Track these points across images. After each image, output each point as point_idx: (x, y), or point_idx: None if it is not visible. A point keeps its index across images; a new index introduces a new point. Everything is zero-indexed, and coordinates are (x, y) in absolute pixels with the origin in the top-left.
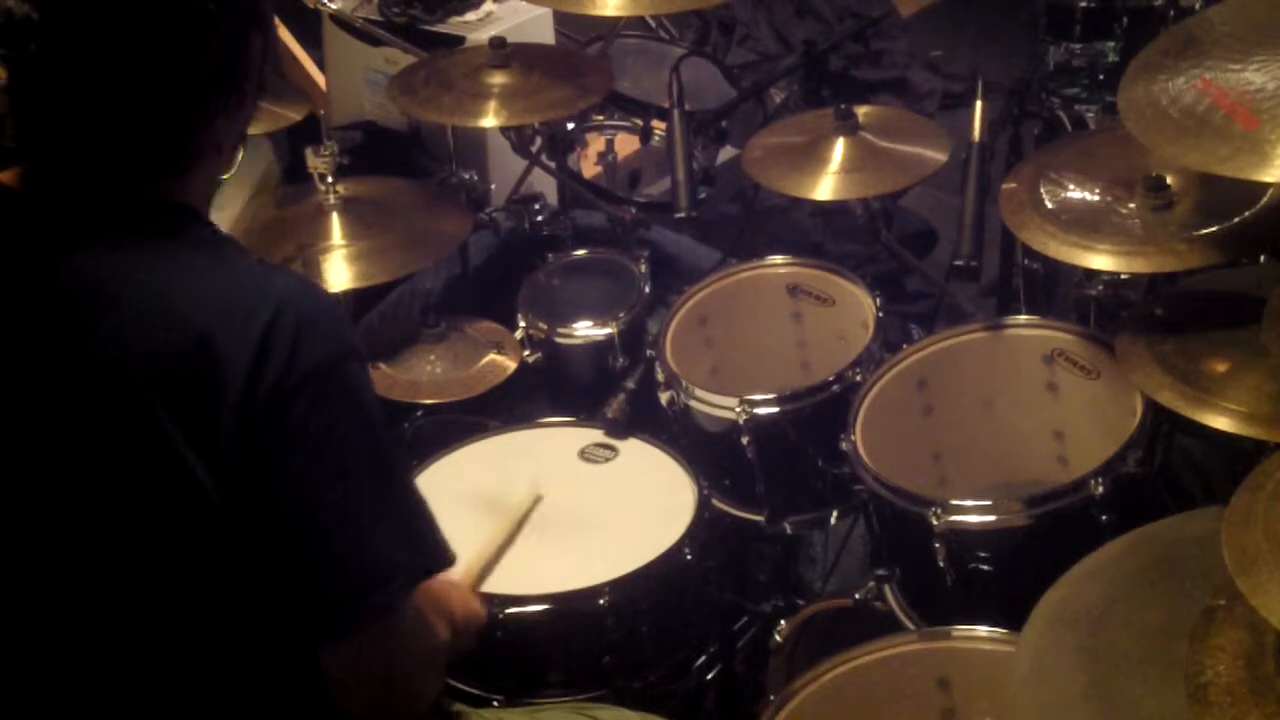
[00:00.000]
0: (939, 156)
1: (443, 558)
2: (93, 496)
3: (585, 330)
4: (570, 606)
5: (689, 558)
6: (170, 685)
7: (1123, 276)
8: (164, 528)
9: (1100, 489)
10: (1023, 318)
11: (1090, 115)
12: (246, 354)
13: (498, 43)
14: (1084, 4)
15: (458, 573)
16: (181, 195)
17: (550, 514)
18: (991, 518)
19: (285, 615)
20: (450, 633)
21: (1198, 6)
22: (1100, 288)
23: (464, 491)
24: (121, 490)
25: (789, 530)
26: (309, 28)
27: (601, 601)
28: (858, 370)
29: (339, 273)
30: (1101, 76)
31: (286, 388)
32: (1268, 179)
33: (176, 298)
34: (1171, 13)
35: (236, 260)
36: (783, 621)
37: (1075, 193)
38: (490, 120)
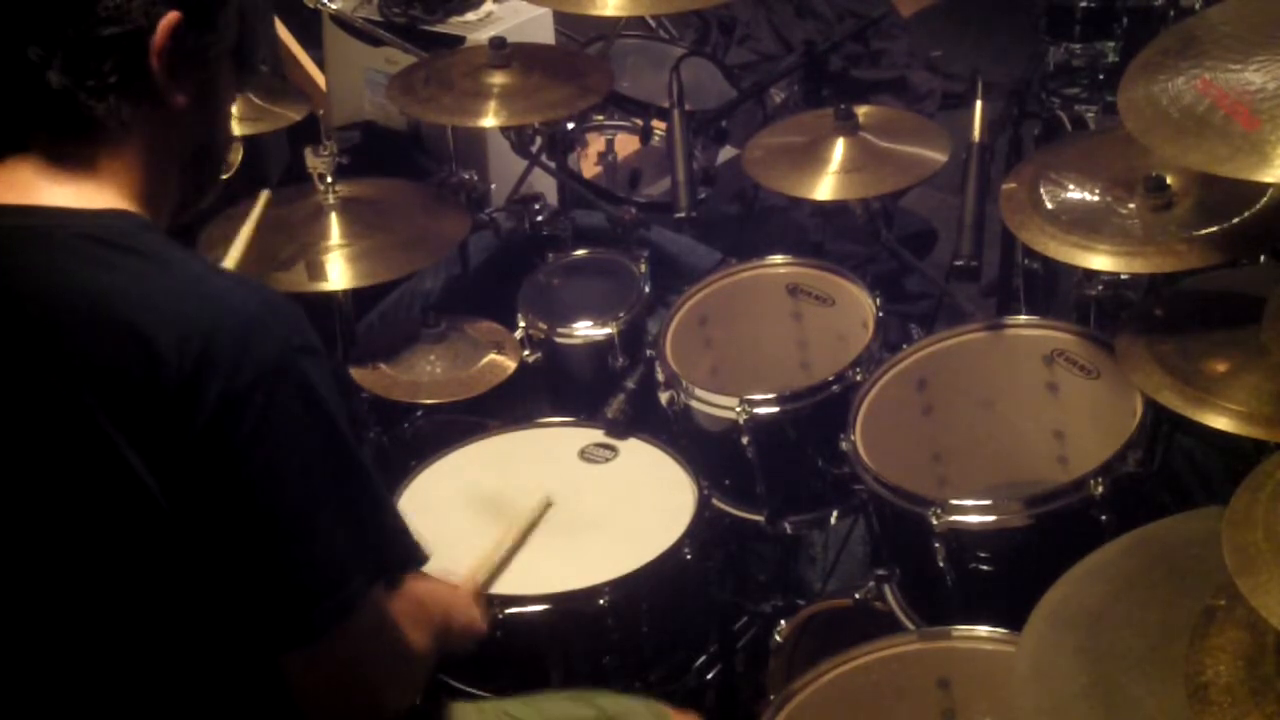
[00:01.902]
0: (939, 156)
1: (409, 556)
2: (38, 504)
3: (585, 330)
4: (570, 606)
5: (689, 558)
6: (131, 695)
7: (1123, 276)
8: (111, 534)
9: (1100, 489)
10: (1023, 318)
11: (1090, 115)
12: (190, 358)
13: (498, 43)
14: (1084, 4)
15: (461, 576)
16: (115, 198)
17: (550, 514)
18: (991, 518)
19: (245, 621)
20: (431, 640)
21: (1198, 6)
22: (1100, 288)
23: (464, 491)
24: (67, 497)
25: (789, 530)
26: (309, 28)
27: (601, 601)
28: (858, 370)
29: (339, 272)
30: (1101, 76)
31: (237, 390)
32: (1268, 179)
33: (118, 303)
34: (1171, 13)
35: (181, 264)
36: (783, 621)
37: (1075, 193)
38: (490, 120)
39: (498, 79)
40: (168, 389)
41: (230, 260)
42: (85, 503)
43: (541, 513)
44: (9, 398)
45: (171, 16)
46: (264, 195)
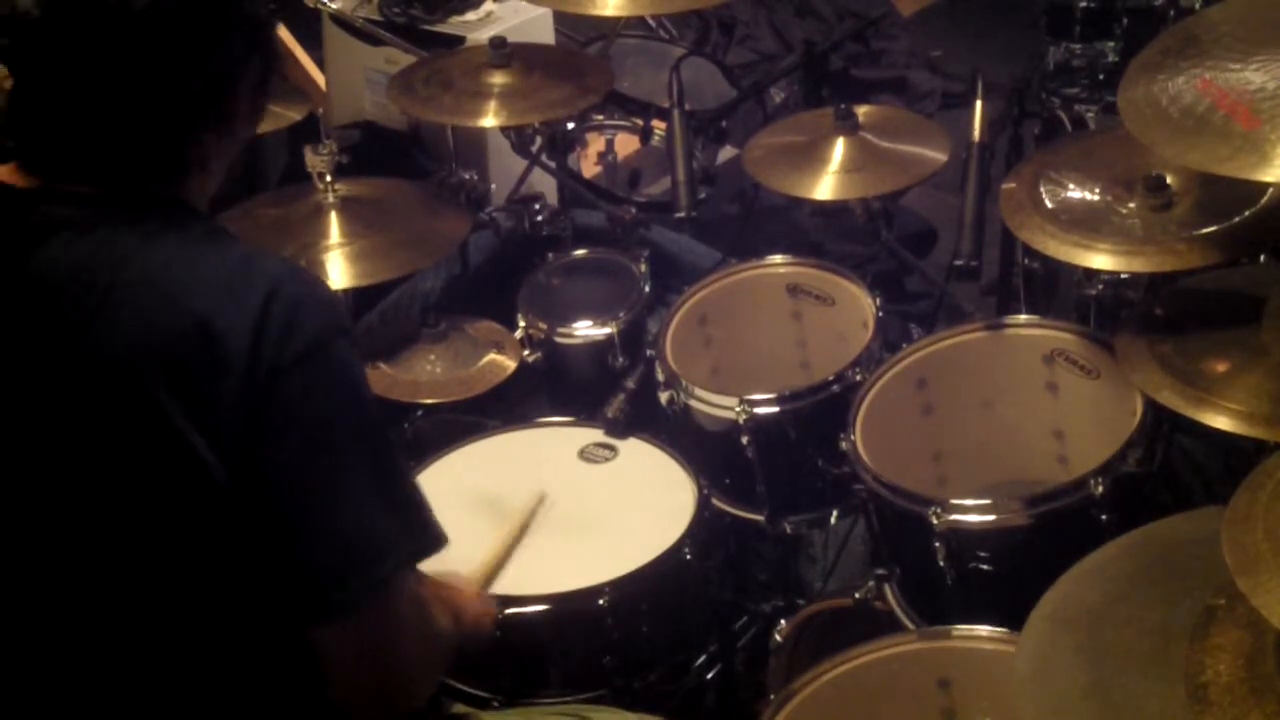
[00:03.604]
0: (939, 156)
1: (435, 541)
2: (97, 482)
3: (585, 330)
4: (570, 606)
5: (689, 558)
6: (172, 669)
7: (1123, 276)
8: (169, 511)
9: (1100, 489)
10: (1023, 318)
11: (1090, 115)
12: (245, 334)
13: (498, 43)
14: (1084, 4)
15: (466, 575)
16: (176, 192)
17: (550, 514)
18: (991, 517)
19: (284, 597)
20: (454, 628)
21: (1198, 6)
22: (1100, 288)
23: (464, 491)
24: (126, 474)
25: (789, 530)
26: (309, 28)
27: (601, 601)
28: (858, 370)
29: (339, 271)
30: (1101, 76)
31: (282, 365)
32: (1268, 179)
33: (173, 283)
34: (1171, 13)
35: (230, 246)
36: (783, 621)
37: (1075, 193)
38: (490, 120)
39: (498, 79)
40: (224, 364)
41: None
42: (144, 479)
43: (536, 507)
44: (68, 375)
45: (256, 68)
46: None
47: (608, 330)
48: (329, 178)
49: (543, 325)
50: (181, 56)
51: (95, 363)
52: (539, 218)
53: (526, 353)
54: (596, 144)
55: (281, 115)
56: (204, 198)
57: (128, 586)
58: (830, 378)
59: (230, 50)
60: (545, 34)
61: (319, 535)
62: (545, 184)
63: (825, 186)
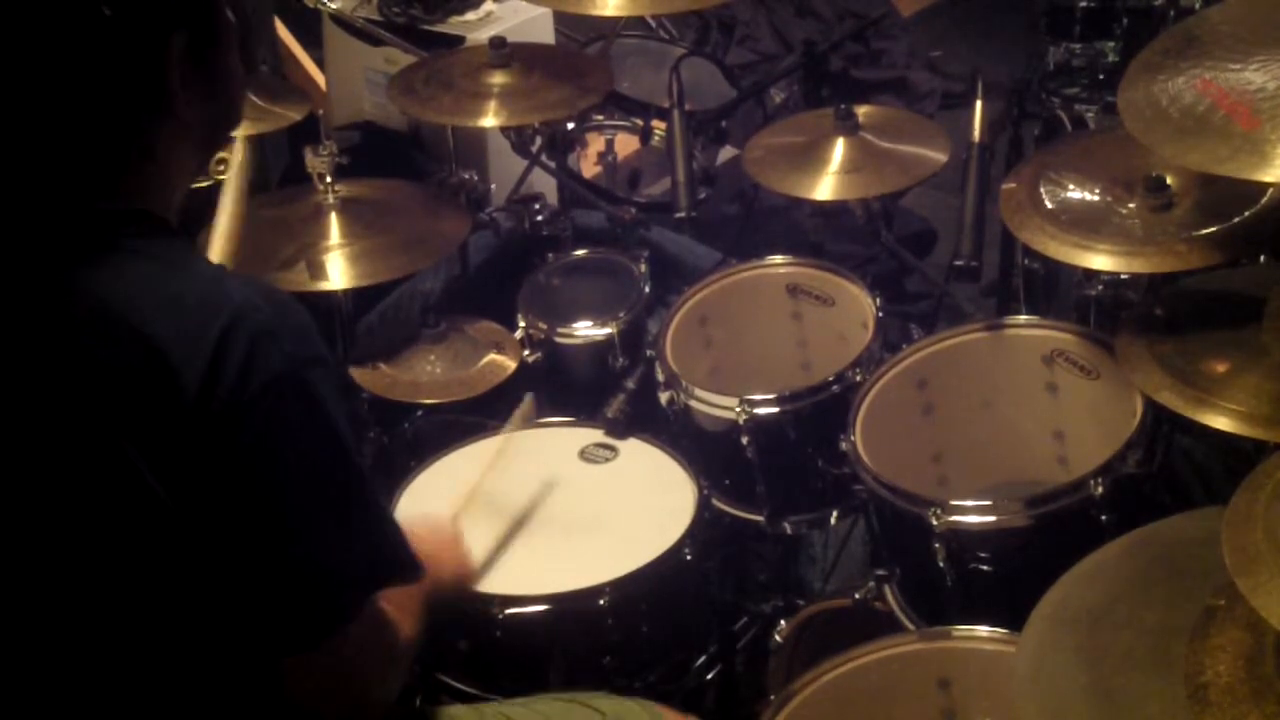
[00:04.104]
0: (939, 156)
1: (406, 567)
2: (49, 512)
3: (585, 330)
4: (570, 606)
5: (689, 558)
6: (134, 702)
7: (1123, 276)
8: (120, 539)
9: (1100, 489)
10: (1023, 318)
11: (1090, 115)
12: (200, 366)
13: (498, 43)
14: (1084, 4)
15: (446, 509)
16: (137, 199)
17: (550, 514)
18: (991, 518)
19: (246, 626)
20: (419, 624)
21: (1198, 6)
22: (1100, 288)
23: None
24: (77, 504)
25: (789, 530)
26: (309, 28)
27: (601, 601)
28: (858, 370)
29: (339, 272)
30: (1101, 76)
31: (243, 399)
32: (1268, 179)
33: (128, 310)
34: (1171, 13)
35: (192, 270)
36: (783, 621)
37: (1075, 193)
38: (490, 120)
39: (498, 79)
40: (177, 397)
41: (220, 227)
42: (94, 508)
43: (524, 415)
44: (19, 404)
45: (182, 42)
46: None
47: (608, 330)
48: (329, 179)
49: (543, 325)
50: (83, 48)
51: (48, 392)
52: (539, 218)
53: (526, 353)
54: (596, 144)
55: (281, 115)
56: (169, 194)
57: (85, 617)
58: (830, 378)
59: (131, 23)
60: (545, 34)
61: (282, 569)
62: (545, 184)
63: (825, 187)
